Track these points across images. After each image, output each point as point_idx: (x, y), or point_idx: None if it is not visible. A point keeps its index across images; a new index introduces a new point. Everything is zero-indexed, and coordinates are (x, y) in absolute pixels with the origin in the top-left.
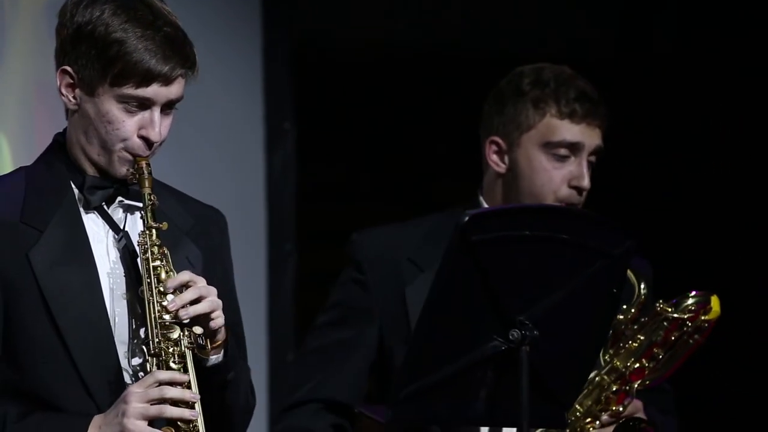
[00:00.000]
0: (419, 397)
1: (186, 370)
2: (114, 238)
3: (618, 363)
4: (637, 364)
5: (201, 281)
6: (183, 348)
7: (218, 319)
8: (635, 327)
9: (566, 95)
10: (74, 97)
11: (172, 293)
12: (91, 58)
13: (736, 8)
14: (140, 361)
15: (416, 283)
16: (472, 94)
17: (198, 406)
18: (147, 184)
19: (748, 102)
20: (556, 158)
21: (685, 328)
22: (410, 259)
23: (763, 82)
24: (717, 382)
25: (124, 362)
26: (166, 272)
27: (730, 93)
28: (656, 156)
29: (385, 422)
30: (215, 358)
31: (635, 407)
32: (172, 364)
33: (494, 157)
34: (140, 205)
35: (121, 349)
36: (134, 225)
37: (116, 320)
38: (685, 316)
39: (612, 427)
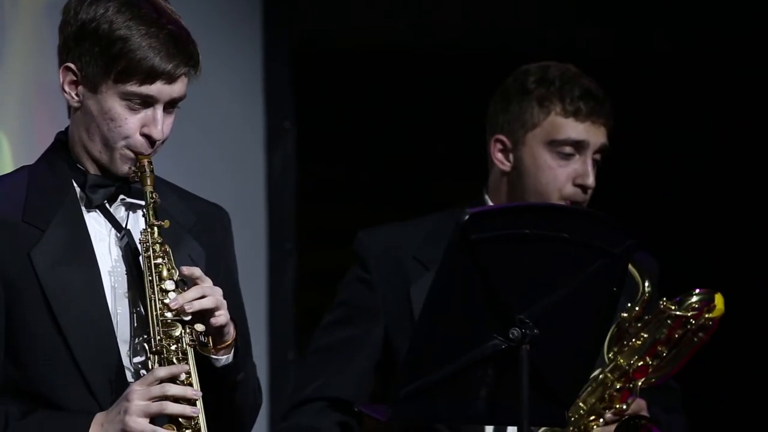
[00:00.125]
0: (419, 396)
1: (187, 365)
2: (116, 236)
3: (622, 361)
4: (641, 362)
5: (207, 281)
6: (185, 345)
7: (221, 317)
8: (639, 325)
9: (571, 93)
10: (77, 94)
11: (174, 290)
12: (94, 55)
13: (736, 8)
14: (142, 359)
15: (421, 281)
16: (472, 94)
17: (200, 403)
18: (149, 182)
19: (748, 102)
20: (560, 156)
21: (688, 326)
22: (415, 258)
23: (763, 82)
24: (723, 381)
25: (126, 361)
26: (168, 270)
27: (730, 93)
28: (656, 156)
29: (385, 421)
30: (225, 359)
31: (639, 406)
32: (174, 362)
33: (499, 156)
34: (142, 203)
35: (123, 348)
36: (136, 223)
37: (118, 319)
38: (689, 314)
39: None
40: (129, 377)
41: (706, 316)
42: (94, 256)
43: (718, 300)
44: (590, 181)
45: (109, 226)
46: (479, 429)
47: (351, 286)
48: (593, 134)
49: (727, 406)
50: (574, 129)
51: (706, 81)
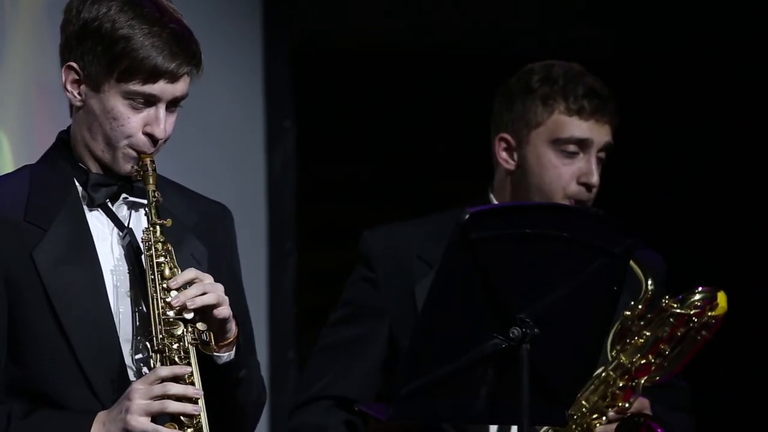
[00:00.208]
0: (420, 395)
1: (189, 366)
2: (118, 235)
3: (624, 359)
4: (643, 360)
5: (207, 278)
6: (187, 344)
7: (224, 310)
8: (642, 323)
9: (575, 92)
10: (79, 94)
11: (176, 290)
12: (97, 54)
13: (736, 8)
14: (144, 358)
15: (426, 281)
16: (472, 94)
17: (201, 402)
18: (151, 181)
19: (748, 102)
20: (564, 155)
21: (691, 324)
22: (420, 257)
23: (763, 82)
24: (726, 379)
25: (128, 360)
26: (170, 269)
27: (731, 93)
28: (657, 155)
29: (386, 420)
30: (227, 356)
31: (642, 404)
32: (176, 360)
33: (503, 154)
34: (144, 202)
35: (126, 347)
36: (138, 222)
37: (120, 318)
38: (691, 312)
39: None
40: (131, 376)
41: (709, 314)
42: (96, 255)
43: (721, 298)
44: (594, 179)
45: (112, 225)
46: (484, 428)
47: (356, 286)
48: (597, 132)
49: (730, 405)
50: (578, 127)
51: (706, 81)
